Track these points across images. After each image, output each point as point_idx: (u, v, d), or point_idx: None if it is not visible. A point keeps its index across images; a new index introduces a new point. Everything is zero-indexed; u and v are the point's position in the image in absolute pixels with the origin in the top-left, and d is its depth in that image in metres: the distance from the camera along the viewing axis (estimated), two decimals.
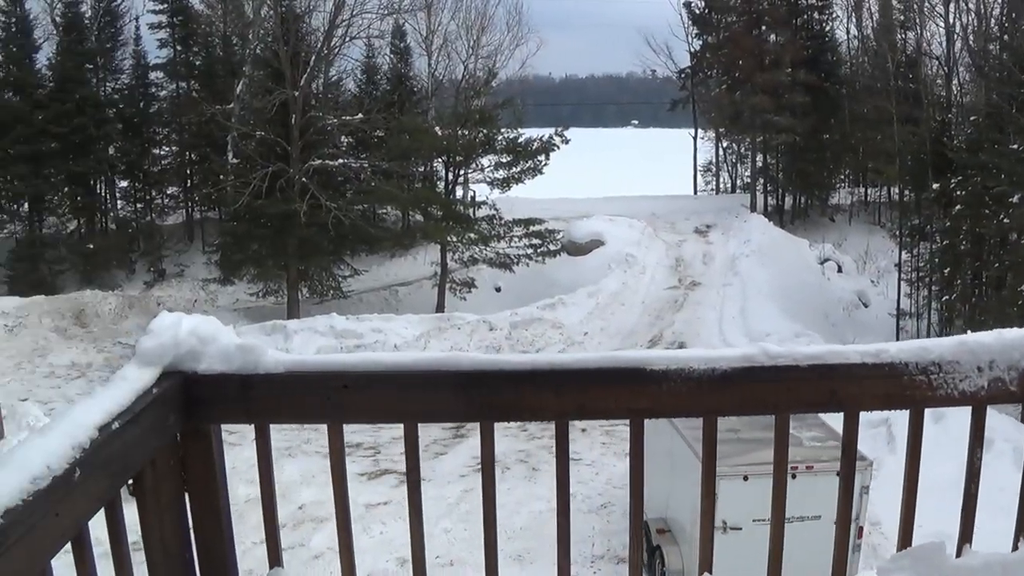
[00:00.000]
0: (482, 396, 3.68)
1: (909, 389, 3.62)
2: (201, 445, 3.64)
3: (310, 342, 41.02)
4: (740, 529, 18.30)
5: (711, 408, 3.72)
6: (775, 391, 3.67)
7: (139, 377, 3.37)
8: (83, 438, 2.84)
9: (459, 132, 53.56)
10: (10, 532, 2.44)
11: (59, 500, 2.67)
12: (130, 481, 3.28)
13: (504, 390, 3.68)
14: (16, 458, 2.64)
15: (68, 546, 2.85)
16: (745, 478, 17.49)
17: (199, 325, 3.62)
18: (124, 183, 63.37)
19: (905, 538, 3.80)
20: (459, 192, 57.98)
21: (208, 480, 3.67)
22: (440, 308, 50.43)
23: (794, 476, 16.82)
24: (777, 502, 3.84)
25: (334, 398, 3.66)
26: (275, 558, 3.84)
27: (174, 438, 3.56)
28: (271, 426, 3.76)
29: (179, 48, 62.29)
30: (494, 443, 3.77)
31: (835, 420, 4.04)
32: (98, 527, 3.04)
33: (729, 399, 3.67)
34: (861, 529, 19.11)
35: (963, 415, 3.81)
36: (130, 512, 3.27)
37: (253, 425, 3.74)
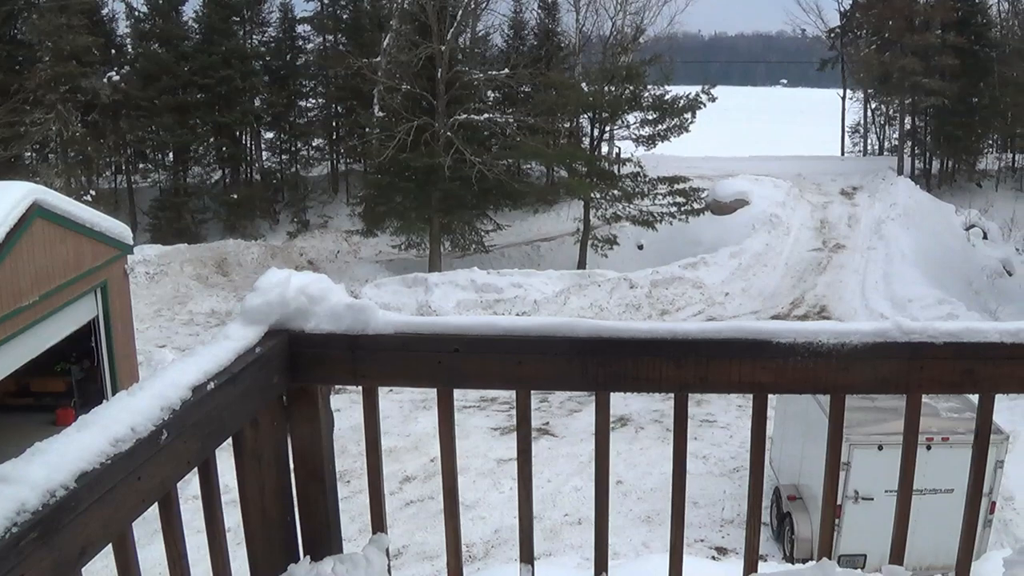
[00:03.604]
0: (598, 364, 3.56)
1: None
2: (307, 406, 3.58)
3: (451, 295, 41.22)
4: (872, 499, 18.04)
5: (838, 385, 3.57)
6: (908, 369, 3.49)
7: (243, 336, 3.32)
8: (174, 398, 2.78)
9: (605, 88, 53.29)
10: (84, 497, 2.39)
11: (142, 463, 2.61)
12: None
13: (622, 359, 3.57)
14: (99, 419, 2.58)
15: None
16: (880, 448, 17.20)
17: (309, 283, 3.54)
18: (270, 134, 64.07)
19: None
20: (604, 149, 57.88)
21: (314, 442, 3.60)
22: (581, 264, 50.34)
23: (929, 448, 16.52)
24: (904, 483, 3.66)
25: (445, 361, 3.56)
26: (379, 524, 3.75)
27: (279, 398, 3.50)
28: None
29: (326, 1, 62.92)
30: (610, 414, 3.64)
31: None
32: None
33: (858, 376, 3.51)
34: (993, 504, 18.79)
35: None
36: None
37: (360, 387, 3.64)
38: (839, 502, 18.88)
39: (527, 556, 3.80)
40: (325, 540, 3.68)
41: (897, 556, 3.70)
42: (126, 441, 2.54)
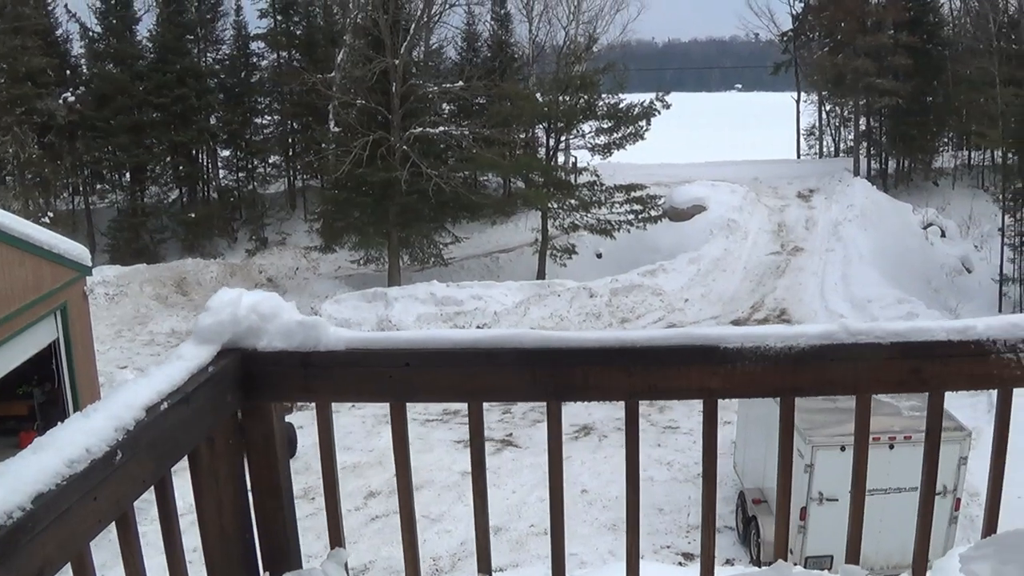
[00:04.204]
0: (548, 374, 3.56)
1: (997, 368, 3.44)
2: (262, 423, 3.59)
3: (411, 309, 41.19)
4: (836, 500, 18.10)
5: (788, 388, 3.57)
6: (855, 370, 3.50)
7: (195, 355, 3.35)
8: (128, 419, 2.80)
9: (560, 98, 53.39)
10: (41, 517, 2.41)
11: (98, 483, 2.64)
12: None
13: (571, 368, 3.55)
14: (55, 441, 2.61)
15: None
16: (842, 448, 17.17)
17: (260, 302, 3.56)
18: (226, 152, 63.88)
19: (990, 524, 3.65)
20: (560, 158, 57.86)
21: (269, 459, 3.62)
22: (541, 275, 50.41)
23: (892, 446, 16.58)
24: (857, 484, 3.71)
25: (396, 376, 3.57)
26: (336, 538, 3.78)
27: (233, 416, 3.52)
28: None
29: (279, 18, 62.52)
30: (562, 423, 3.67)
31: None
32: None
33: (807, 378, 3.52)
34: (959, 501, 18.84)
35: None
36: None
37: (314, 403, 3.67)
38: (804, 504, 18.97)
39: (485, 567, 3.83)
40: (284, 556, 3.69)
41: (853, 556, 3.73)
42: (81, 462, 2.56)
